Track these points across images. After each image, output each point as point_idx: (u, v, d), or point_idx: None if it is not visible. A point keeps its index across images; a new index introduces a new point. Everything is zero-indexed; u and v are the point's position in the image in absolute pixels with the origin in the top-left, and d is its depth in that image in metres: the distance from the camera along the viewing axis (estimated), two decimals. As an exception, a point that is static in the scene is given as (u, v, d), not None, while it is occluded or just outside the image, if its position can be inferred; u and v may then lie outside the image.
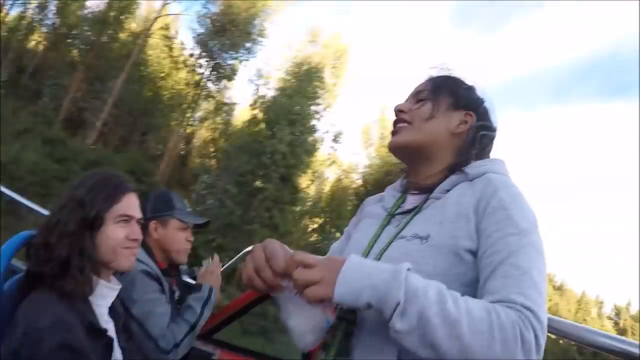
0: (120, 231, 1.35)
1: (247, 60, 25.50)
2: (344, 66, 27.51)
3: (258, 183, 18.04)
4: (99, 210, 1.32)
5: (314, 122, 21.41)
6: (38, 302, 1.19)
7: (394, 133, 1.19)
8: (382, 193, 1.29)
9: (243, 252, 2.49)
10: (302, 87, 21.17)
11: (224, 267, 2.31)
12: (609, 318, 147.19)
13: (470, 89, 1.23)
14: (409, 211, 1.10)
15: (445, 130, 1.15)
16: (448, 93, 1.19)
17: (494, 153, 1.22)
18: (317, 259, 0.89)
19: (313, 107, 21.66)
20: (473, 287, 0.92)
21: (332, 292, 0.84)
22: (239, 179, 18.12)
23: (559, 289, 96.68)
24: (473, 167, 1.09)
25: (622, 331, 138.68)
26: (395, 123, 1.19)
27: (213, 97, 28.01)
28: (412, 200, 1.14)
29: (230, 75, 26.13)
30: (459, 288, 0.87)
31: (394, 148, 1.18)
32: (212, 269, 2.09)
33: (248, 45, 25.41)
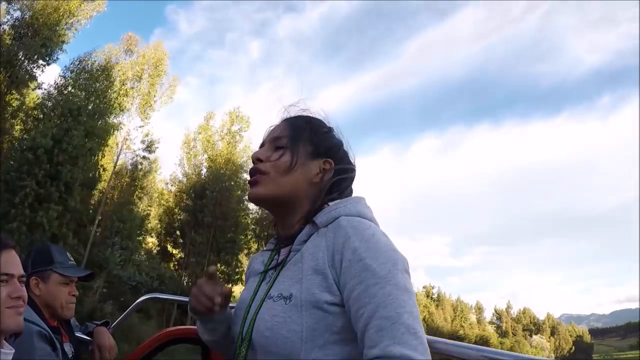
0: (1, 291, 1.26)
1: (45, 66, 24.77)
2: (161, 75, 27.67)
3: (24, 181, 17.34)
4: None
5: (103, 121, 21.07)
6: None
7: (252, 183, 1.19)
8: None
9: (134, 304, 2.49)
10: (82, 84, 20.96)
11: (116, 322, 2.35)
12: (491, 322, 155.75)
13: (329, 133, 1.25)
14: (277, 265, 1.14)
15: (304, 181, 1.17)
16: (307, 141, 1.19)
17: (356, 189, 1.25)
18: None
19: (103, 106, 21.38)
20: (345, 333, 0.98)
21: None
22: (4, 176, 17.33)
23: (437, 299, 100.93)
24: (325, 213, 1.11)
25: (504, 333, 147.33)
26: (254, 173, 1.19)
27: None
28: (282, 253, 1.17)
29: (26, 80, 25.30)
30: (331, 336, 0.97)
31: (253, 200, 1.19)
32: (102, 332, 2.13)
33: (49, 50, 24.80)
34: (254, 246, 30.74)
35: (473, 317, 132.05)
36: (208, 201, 28.77)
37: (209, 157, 30.73)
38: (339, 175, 1.20)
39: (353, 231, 1.02)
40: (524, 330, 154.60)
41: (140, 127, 26.76)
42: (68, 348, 1.98)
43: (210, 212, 28.61)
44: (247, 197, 1.36)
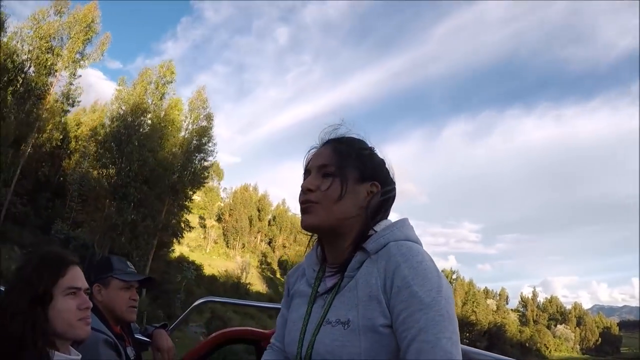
0: (70, 303, 1.43)
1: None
2: (90, 35, 32.06)
3: None
4: (46, 286, 1.39)
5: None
6: None
7: (303, 211, 1.23)
8: (301, 263, 1.40)
9: (191, 307, 2.66)
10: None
11: (174, 324, 2.52)
12: (516, 310, 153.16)
13: (372, 154, 1.29)
14: (329, 290, 1.22)
15: (354, 207, 1.22)
16: (354, 166, 1.23)
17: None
18: None
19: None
20: (399, 352, 1.06)
21: None
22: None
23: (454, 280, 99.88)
24: (374, 240, 1.18)
25: (528, 321, 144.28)
26: (304, 202, 1.23)
27: None
28: (330, 278, 1.24)
29: None
30: (387, 356, 1.07)
31: (307, 228, 1.24)
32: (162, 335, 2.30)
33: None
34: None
35: (491, 303, 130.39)
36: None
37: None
38: (385, 196, 1.26)
39: (402, 259, 1.10)
40: (549, 319, 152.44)
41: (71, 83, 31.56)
42: (130, 351, 2.10)
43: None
44: (300, 224, 1.17)
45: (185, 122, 36.86)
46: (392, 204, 1.30)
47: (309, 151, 1.33)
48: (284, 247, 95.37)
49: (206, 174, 39.21)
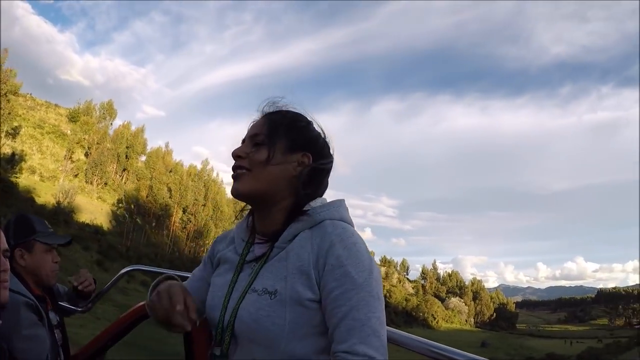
0: None
1: None
2: None
3: None
4: None
5: None
6: None
7: (234, 179, 1.24)
8: (230, 231, 1.40)
9: (117, 276, 2.61)
10: None
11: (100, 292, 2.49)
12: (416, 282, 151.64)
13: (307, 126, 1.30)
14: (258, 258, 1.23)
15: (283, 175, 1.22)
16: (284, 136, 1.24)
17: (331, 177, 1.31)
18: None
19: None
20: (321, 327, 1.12)
21: None
22: None
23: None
24: (310, 216, 1.20)
25: (426, 292, 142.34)
26: (235, 169, 1.25)
27: None
28: (259, 246, 1.25)
29: None
30: (310, 329, 1.11)
31: (236, 195, 1.24)
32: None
33: None
34: None
35: (388, 273, 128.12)
36: None
37: None
38: (317, 169, 1.25)
39: (337, 239, 1.13)
40: (448, 292, 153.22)
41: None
42: (53, 316, 2.07)
43: None
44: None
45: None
46: (326, 177, 1.30)
47: (250, 124, 1.33)
48: (171, 196, 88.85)
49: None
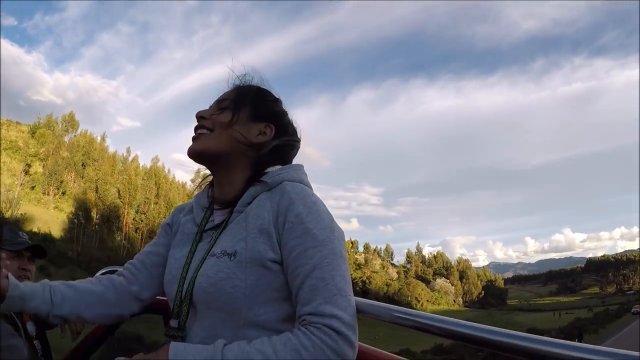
0: None
1: None
2: None
3: None
4: None
5: None
6: None
7: (194, 139, 1.24)
8: (190, 201, 1.37)
9: (96, 275, 2.35)
10: None
11: None
12: (402, 266, 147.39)
13: (274, 102, 1.31)
14: (217, 226, 1.20)
15: (244, 139, 1.21)
16: (249, 103, 1.25)
17: (298, 159, 1.32)
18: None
19: None
20: (283, 291, 1.08)
21: None
22: None
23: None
24: (270, 177, 1.18)
25: (412, 276, 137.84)
26: (196, 129, 1.25)
27: None
28: (219, 215, 1.23)
29: None
30: (271, 294, 1.07)
31: (193, 154, 1.22)
32: None
33: None
34: None
35: (363, 259, 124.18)
36: None
37: None
38: (279, 141, 1.25)
39: (297, 197, 1.10)
40: (435, 274, 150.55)
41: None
42: (31, 326, 2.06)
43: None
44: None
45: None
46: (289, 154, 1.30)
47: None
48: (120, 197, 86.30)
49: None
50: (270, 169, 1.21)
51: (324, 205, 1.12)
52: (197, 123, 1.25)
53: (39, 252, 2.21)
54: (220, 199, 1.23)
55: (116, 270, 2.43)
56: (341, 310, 0.97)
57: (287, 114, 1.31)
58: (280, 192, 1.13)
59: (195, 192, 1.35)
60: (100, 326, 2.23)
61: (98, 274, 2.40)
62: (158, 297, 1.84)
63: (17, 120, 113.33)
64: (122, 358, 1.06)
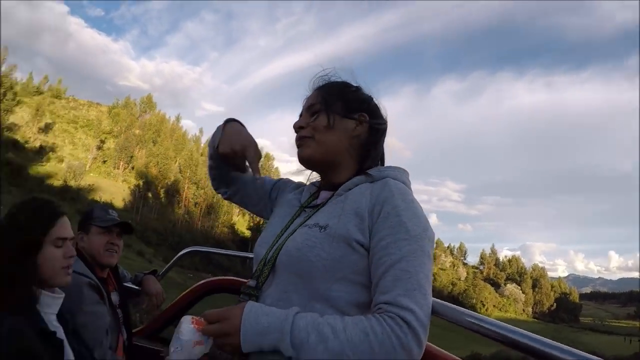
0: (57, 252, 1.51)
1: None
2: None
3: None
4: (37, 235, 1.48)
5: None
6: None
7: (299, 147, 1.29)
8: (302, 182, 1.47)
9: (177, 256, 2.73)
10: None
11: (162, 272, 2.67)
12: (474, 267, 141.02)
13: (357, 90, 1.34)
14: (317, 206, 1.27)
15: (345, 137, 1.26)
16: (339, 100, 1.28)
17: (386, 142, 1.34)
18: (219, 313, 1.03)
19: None
20: (362, 276, 1.10)
21: (239, 342, 0.98)
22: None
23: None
24: (375, 171, 1.24)
25: (485, 278, 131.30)
26: (298, 140, 1.29)
27: None
28: (323, 197, 1.30)
29: None
30: (350, 274, 1.09)
31: (303, 161, 1.30)
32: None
33: None
34: None
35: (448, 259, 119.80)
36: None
37: None
38: (374, 128, 1.29)
39: (397, 192, 1.13)
40: (507, 278, 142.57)
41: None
42: (115, 297, 2.25)
43: None
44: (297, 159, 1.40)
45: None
46: (382, 138, 1.33)
47: (304, 100, 1.36)
48: (181, 172, 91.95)
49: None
50: (376, 166, 1.27)
51: (422, 208, 1.14)
52: (296, 134, 1.29)
53: (127, 228, 2.33)
54: (329, 183, 1.29)
55: (198, 252, 2.82)
56: (417, 305, 0.97)
57: (372, 99, 1.33)
58: (382, 185, 1.16)
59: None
60: (180, 299, 2.52)
61: (182, 252, 2.70)
62: (235, 278, 2.33)
63: (103, 102, 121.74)
64: (191, 316, 1.06)
